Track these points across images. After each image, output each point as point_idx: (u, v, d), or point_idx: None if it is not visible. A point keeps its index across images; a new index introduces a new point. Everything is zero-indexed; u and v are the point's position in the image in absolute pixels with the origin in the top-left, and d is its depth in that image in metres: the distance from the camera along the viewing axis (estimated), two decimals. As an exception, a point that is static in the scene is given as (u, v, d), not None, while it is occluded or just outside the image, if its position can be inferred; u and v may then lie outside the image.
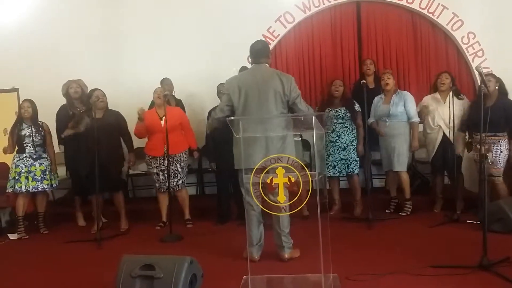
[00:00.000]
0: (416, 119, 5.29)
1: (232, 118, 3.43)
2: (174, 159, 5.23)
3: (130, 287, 3.02)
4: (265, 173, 3.03)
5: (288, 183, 2.98)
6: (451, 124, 5.16)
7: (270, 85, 3.84)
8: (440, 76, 5.36)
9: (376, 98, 5.48)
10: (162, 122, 5.14)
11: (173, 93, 6.29)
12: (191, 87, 6.44)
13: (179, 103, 6.27)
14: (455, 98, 5.15)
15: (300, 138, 5.13)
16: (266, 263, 3.81)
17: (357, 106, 5.40)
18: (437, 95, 5.33)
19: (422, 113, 5.37)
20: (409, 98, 5.32)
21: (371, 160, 5.76)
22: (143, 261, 3.09)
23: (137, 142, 5.57)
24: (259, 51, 3.99)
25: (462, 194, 5.34)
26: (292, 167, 2.95)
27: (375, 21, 6.63)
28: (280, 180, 2.98)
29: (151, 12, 6.63)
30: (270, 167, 3.01)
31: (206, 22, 6.54)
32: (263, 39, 6.30)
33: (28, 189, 5.26)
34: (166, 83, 6.18)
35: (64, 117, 5.50)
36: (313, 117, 3.09)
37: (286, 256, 3.86)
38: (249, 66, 4.49)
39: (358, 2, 6.62)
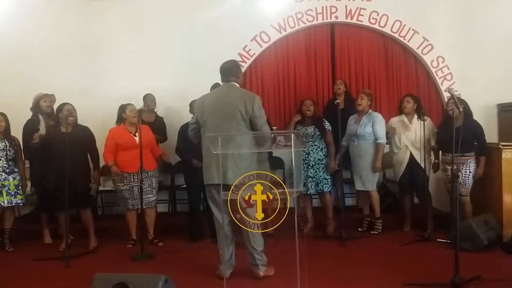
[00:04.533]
0: (381, 140, 5.36)
1: (211, 134, 3.45)
2: (149, 174, 5.17)
3: (102, 306, 2.93)
4: (243, 190, 3.02)
5: (267, 200, 2.98)
6: (418, 145, 5.33)
7: (233, 104, 3.85)
8: (403, 99, 5.56)
9: (350, 118, 5.59)
10: (137, 139, 5.08)
11: (155, 110, 6.25)
12: (167, 102, 6.40)
13: (160, 121, 6.23)
14: (420, 120, 5.30)
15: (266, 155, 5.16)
16: (242, 281, 3.78)
17: (327, 125, 5.50)
18: (403, 116, 5.49)
19: (389, 134, 5.50)
20: (378, 119, 5.42)
21: (343, 179, 5.82)
22: (116, 279, 3.01)
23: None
24: (227, 70, 4.05)
25: (431, 213, 5.45)
26: (270, 184, 2.96)
27: (348, 43, 6.78)
28: (259, 197, 2.98)
29: (129, 26, 6.57)
30: (248, 183, 3.01)
31: (184, 39, 6.54)
32: (239, 57, 6.41)
33: (2, 204, 5.09)
34: (149, 98, 6.14)
35: (31, 130, 5.34)
36: (292, 135, 3.12)
37: (261, 274, 3.84)
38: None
39: (332, 24, 6.76)
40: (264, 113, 4.00)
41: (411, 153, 5.39)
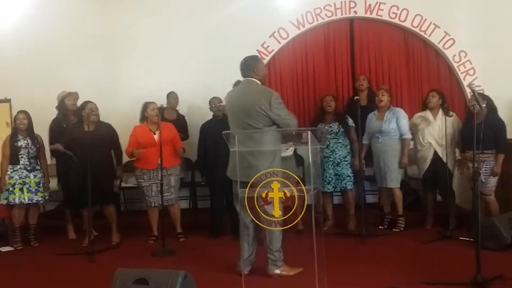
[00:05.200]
0: (407, 136, 5.33)
1: (227, 132, 3.46)
2: (168, 173, 5.21)
3: (123, 301, 2.98)
4: (260, 187, 3.03)
5: (284, 198, 2.98)
6: (442, 142, 5.22)
7: (252, 100, 3.82)
8: (428, 94, 5.45)
9: (370, 115, 5.53)
10: (156, 136, 5.14)
11: (177, 108, 6.31)
12: (187, 100, 6.45)
13: (182, 119, 6.28)
14: (445, 115, 5.21)
15: (289, 153, 5.17)
16: (261, 279, 3.79)
17: (350, 121, 5.45)
18: (427, 112, 5.40)
19: (413, 130, 5.42)
20: (402, 115, 5.37)
21: (364, 176, 5.78)
22: (137, 275, 3.05)
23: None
24: (243, 66, 4.02)
25: (454, 211, 5.36)
26: (287, 182, 2.96)
27: (368, 38, 6.70)
28: (276, 194, 2.98)
29: (149, 24, 6.64)
30: (265, 181, 3.02)
31: (202, 36, 6.58)
32: (257, 54, 6.40)
33: (23, 200, 5.22)
34: (172, 96, 6.22)
35: (58, 129, 5.48)
36: (308, 132, 3.12)
37: (275, 272, 3.84)
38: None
39: (352, 19, 6.69)
40: (284, 107, 3.91)
41: (435, 150, 5.30)
